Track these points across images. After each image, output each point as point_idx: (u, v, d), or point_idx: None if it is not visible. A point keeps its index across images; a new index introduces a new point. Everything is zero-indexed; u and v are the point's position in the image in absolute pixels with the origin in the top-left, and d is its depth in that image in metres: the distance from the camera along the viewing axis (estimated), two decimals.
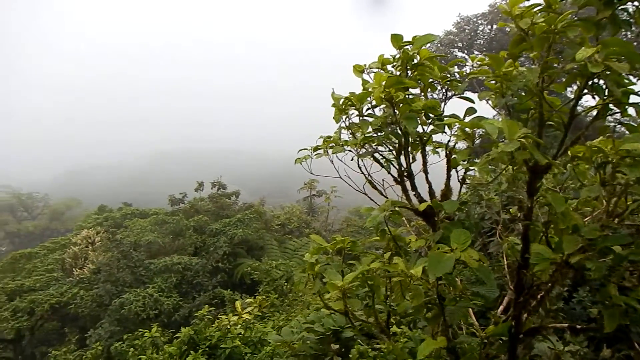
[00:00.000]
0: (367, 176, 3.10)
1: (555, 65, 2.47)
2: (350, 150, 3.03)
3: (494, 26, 27.38)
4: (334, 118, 3.08)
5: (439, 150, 3.06)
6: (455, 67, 3.11)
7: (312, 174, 3.38)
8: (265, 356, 7.08)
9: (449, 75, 2.89)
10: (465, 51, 27.77)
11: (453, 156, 2.88)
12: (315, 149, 3.22)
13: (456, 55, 27.03)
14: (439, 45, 27.24)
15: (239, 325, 8.69)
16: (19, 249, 44.31)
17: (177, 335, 8.37)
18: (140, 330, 12.11)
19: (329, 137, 3.17)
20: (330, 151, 3.13)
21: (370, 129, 2.91)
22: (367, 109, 2.98)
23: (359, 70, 2.96)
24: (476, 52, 27.06)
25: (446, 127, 2.78)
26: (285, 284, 17.62)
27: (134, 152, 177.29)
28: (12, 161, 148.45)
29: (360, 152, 3.00)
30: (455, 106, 2.91)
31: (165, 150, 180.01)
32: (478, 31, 27.94)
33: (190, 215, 29.27)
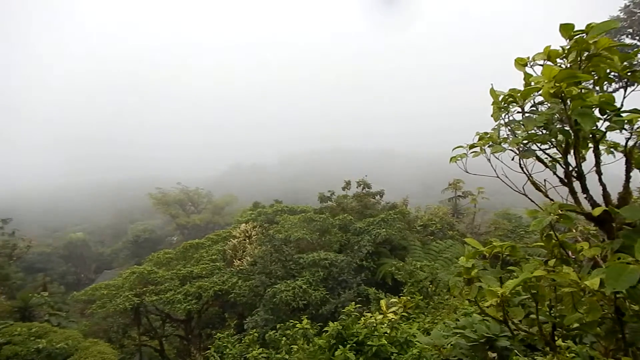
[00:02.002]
0: (529, 176, 2.91)
1: None
2: (511, 150, 2.87)
3: None
4: (492, 115, 2.94)
5: (612, 149, 2.76)
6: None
7: (467, 172, 3.26)
8: (411, 357, 7.01)
9: (630, 66, 2.57)
10: (637, 37, 24.42)
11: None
12: (472, 146, 3.09)
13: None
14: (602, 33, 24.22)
15: (385, 324, 8.73)
16: (188, 239, 49.85)
17: (325, 328, 8.68)
18: (291, 321, 12.80)
19: (486, 133, 3.03)
20: (488, 150, 2.99)
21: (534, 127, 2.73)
22: (531, 106, 2.80)
23: (521, 63, 2.78)
24: None
25: (626, 123, 2.50)
26: (430, 285, 17.24)
27: (286, 152, 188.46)
28: (181, 161, 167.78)
29: (523, 151, 2.83)
30: (632, 100, 2.60)
31: (313, 150, 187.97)
32: None
33: (336, 213, 30.09)
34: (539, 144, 2.83)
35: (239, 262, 26.96)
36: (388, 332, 8.06)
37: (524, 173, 2.91)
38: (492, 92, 2.89)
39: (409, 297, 12.75)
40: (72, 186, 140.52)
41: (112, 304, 25.21)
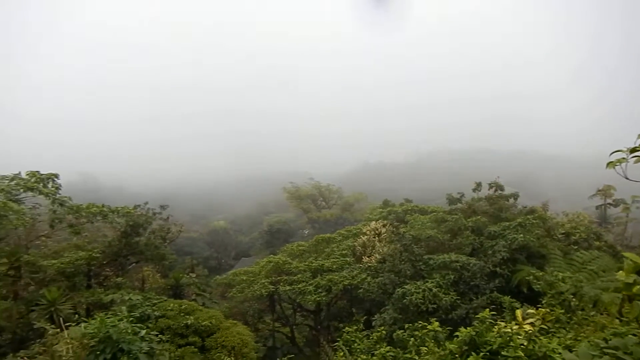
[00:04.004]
0: None
1: None
2: None
3: None
4: None
5: None
6: None
7: (627, 179, 3.05)
8: None
9: None
10: None
11: None
12: (633, 150, 2.90)
13: None
14: None
15: (521, 336, 8.33)
16: (318, 233, 51.64)
17: (455, 333, 8.52)
18: (420, 322, 12.70)
19: None
20: None
21: None
22: None
23: None
24: None
25: None
26: (573, 299, 15.91)
27: (415, 151, 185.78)
28: (313, 155, 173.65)
29: None
30: None
31: (443, 149, 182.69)
32: None
33: (468, 215, 29.06)
34: None
35: (368, 258, 27.32)
36: (525, 344, 7.68)
37: None
38: None
39: (548, 310, 11.95)
40: (218, 178, 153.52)
41: (249, 290, 27.12)
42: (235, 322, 23.15)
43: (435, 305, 19.74)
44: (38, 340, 12.48)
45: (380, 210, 37.54)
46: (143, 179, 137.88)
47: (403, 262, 23.36)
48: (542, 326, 10.10)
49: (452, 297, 20.18)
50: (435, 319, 12.68)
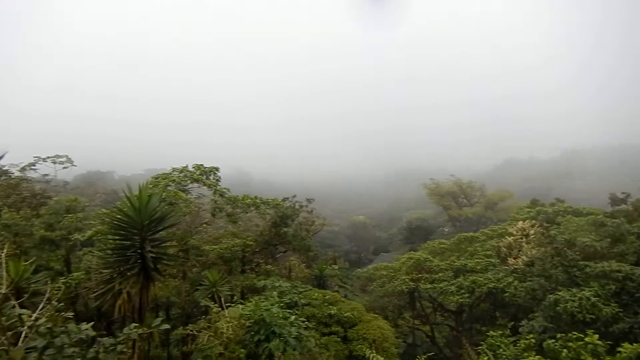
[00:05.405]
0: None
1: None
2: None
3: None
4: None
5: None
6: None
7: None
8: None
9: None
10: None
11: None
12: None
13: None
14: None
15: None
16: (459, 231, 50.28)
17: (618, 349, 7.95)
18: (574, 333, 11.85)
19: None
20: None
21: None
22: None
23: None
24: None
25: None
26: None
27: (570, 146, 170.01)
28: (454, 151, 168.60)
29: None
30: None
31: (602, 144, 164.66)
32: None
33: (634, 219, 26.12)
34: None
35: (513, 260, 26.05)
36: None
37: None
38: None
39: None
40: (358, 175, 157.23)
41: (390, 285, 27.50)
42: (375, 315, 23.56)
43: (593, 316, 18.12)
44: (202, 316, 14.04)
45: (528, 210, 35.40)
46: (290, 175, 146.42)
47: (554, 267, 21.78)
48: None
49: (613, 309, 18.35)
50: (592, 331, 11.76)
